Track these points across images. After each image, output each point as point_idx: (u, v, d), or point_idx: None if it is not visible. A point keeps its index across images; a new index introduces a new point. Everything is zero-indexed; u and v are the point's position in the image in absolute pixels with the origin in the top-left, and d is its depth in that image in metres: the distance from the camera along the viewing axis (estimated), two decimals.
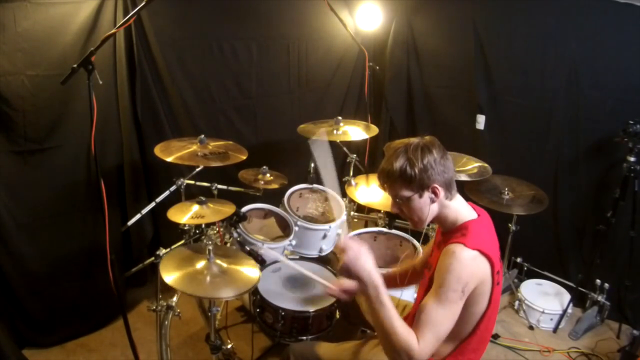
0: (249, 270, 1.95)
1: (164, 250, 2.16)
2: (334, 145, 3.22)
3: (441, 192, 1.47)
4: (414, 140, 1.49)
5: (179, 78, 2.86)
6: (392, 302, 1.37)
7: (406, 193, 1.48)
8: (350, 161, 3.12)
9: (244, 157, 2.54)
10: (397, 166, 1.45)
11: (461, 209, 1.54)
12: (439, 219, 1.55)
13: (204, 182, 2.74)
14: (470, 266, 1.38)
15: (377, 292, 1.36)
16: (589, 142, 3.00)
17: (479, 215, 1.56)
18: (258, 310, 2.26)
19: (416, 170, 1.43)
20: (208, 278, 1.85)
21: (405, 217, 1.56)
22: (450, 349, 1.56)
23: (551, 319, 2.93)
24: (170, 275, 1.80)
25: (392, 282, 1.88)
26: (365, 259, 1.38)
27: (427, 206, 1.49)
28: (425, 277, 1.60)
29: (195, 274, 1.86)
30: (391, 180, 1.48)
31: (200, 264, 1.90)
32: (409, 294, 2.26)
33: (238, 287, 1.85)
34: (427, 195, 1.47)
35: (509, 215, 2.84)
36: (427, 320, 1.36)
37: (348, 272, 1.40)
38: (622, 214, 2.75)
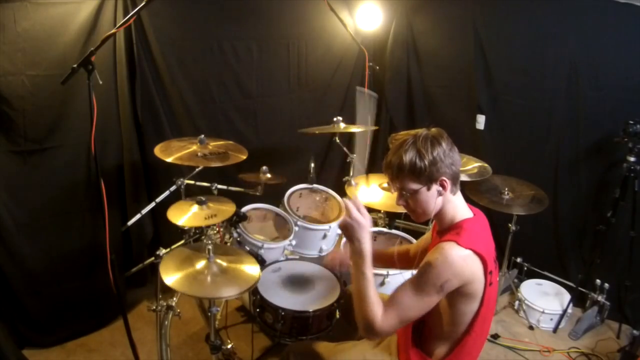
0: (250, 268, 1.95)
1: (164, 250, 2.15)
2: (334, 145, 3.22)
3: (449, 185, 1.47)
4: (422, 131, 1.47)
5: (179, 78, 2.86)
6: (373, 275, 1.43)
7: (414, 186, 1.46)
8: (350, 161, 3.12)
9: (244, 157, 2.53)
10: (407, 159, 1.43)
11: (460, 207, 1.54)
12: (439, 215, 1.54)
13: (204, 182, 2.73)
14: (457, 265, 1.37)
15: (363, 261, 1.42)
16: (589, 142, 3.00)
17: (474, 214, 1.56)
18: (258, 310, 2.26)
19: (426, 163, 1.42)
20: (209, 278, 1.84)
21: (410, 211, 1.56)
22: (445, 350, 1.56)
23: (551, 319, 2.93)
24: (171, 277, 1.79)
25: (389, 260, 1.95)
26: (364, 232, 1.42)
27: (434, 199, 1.48)
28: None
29: (196, 274, 1.85)
30: (400, 174, 1.46)
31: (201, 264, 1.90)
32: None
33: (239, 285, 1.84)
34: (435, 188, 1.47)
35: (509, 215, 2.84)
36: (397, 302, 1.41)
37: (345, 230, 1.44)
38: (622, 214, 2.76)
